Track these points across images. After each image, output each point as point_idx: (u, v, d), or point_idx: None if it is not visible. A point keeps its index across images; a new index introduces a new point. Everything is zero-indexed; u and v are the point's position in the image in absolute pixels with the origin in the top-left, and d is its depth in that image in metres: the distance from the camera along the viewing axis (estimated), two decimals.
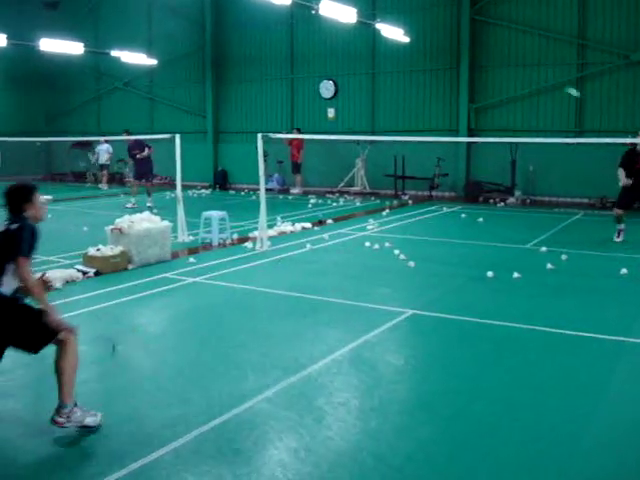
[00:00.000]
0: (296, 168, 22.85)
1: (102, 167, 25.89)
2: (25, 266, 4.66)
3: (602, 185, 18.85)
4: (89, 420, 4.85)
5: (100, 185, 25.64)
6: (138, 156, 18.78)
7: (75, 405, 4.85)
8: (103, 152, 25.36)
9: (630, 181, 12.43)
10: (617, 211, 12.79)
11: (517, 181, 19.72)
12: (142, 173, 18.95)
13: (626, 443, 4.69)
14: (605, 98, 19.44)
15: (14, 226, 4.76)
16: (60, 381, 4.81)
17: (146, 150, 18.70)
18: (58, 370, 4.81)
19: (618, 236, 12.78)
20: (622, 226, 12.77)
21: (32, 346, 4.80)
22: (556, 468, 4.34)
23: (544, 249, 11.74)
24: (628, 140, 14.58)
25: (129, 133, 19.84)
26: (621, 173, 12.60)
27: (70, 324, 4.89)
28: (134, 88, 27.88)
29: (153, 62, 25.13)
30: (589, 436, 4.79)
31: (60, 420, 4.77)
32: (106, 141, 24.62)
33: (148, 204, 17.76)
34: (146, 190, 18.74)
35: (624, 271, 9.95)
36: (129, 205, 18.23)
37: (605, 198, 18.67)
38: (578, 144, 17.66)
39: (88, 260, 10.14)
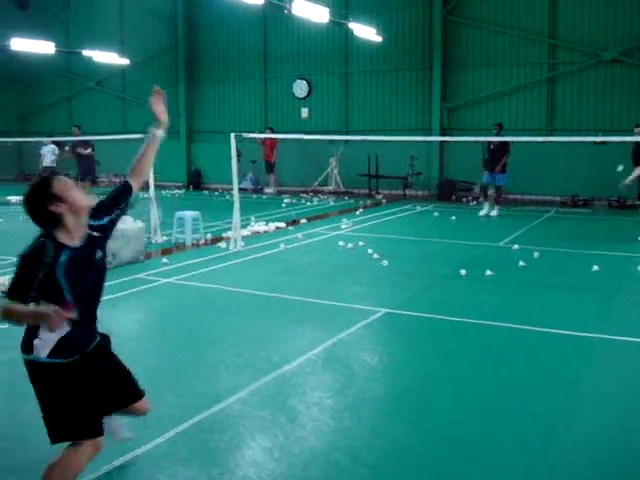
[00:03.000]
0: (270, 168, 22.83)
1: (45, 170, 22.76)
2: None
3: (573, 183, 19.12)
4: None
5: None
6: (81, 152, 18.56)
7: None
8: (49, 153, 23.10)
9: None
10: None
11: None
12: (85, 172, 18.70)
13: (597, 438, 4.73)
14: (576, 97, 19.65)
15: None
16: (43, 476, 3.72)
17: (88, 150, 18.51)
18: (50, 464, 3.72)
19: None
20: None
21: (50, 434, 3.72)
22: (527, 464, 4.38)
23: (516, 247, 11.84)
24: (598, 138, 14.81)
25: (79, 129, 19.71)
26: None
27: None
28: (106, 88, 27.68)
29: (125, 62, 24.96)
30: (561, 431, 4.83)
31: None
32: (53, 142, 23.66)
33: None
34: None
35: (595, 268, 10.07)
36: None
37: (577, 196, 18.89)
38: (549, 142, 17.80)
39: None
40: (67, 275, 3.54)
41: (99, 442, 3.75)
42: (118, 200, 4.04)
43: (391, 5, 21.70)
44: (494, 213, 16.38)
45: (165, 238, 12.90)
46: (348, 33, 21.33)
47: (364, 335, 7.26)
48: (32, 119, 29.77)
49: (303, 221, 15.38)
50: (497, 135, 16.39)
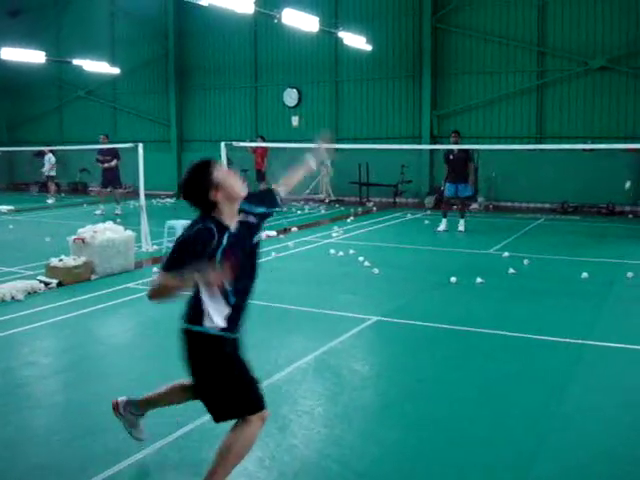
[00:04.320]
0: (260, 176, 22.79)
1: (47, 178, 24.19)
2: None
3: (563, 190, 19.20)
4: None
5: (49, 197, 23.76)
6: (105, 165, 18.84)
7: None
8: (46, 162, 23.76)
9: None
10: None
11: (480, 187, 19.91)
12: (109, 181, 19.08)
13: (586, 444, 4.76)
14: (565, 104, 19.75)
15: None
16: (216, 460, 3.84)
17: (114, 161, 18.81)
18: (222, 447, 3.85)
19: None
20: None
21: (216, 413, 3.91)
22: (520, 468, 4.40)
23: (506, 254, 11.88)
24: (587, 146, 14.88)
25: (108, 137, 19.90)
26: None
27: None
28: (97, 97, 27.65)
29: (116, 71, 24.94)
30: (553, 436, 4.86)
31: None
32: (50, 151, 23.71)
33: (116, 212, 17.98)
34: (114, 198, 18.90)
35: (585, 275, 10.12)
36: (98, 212, 18.35)
37: (566, 203, 18.98)
38: (539, 150, 17.88)
39: (50, 271, 10.04)
40: (225, 257, 3.63)
41: (266, 414, 3.92)
42: (264, 200, 4.19)
43: (381, 14, 21.78)
44: (461, 228, 15.01)
45: (156, 247, 12.88)
46: (338, 42, 21.38)
47: (355, 343, 7.28)
48: (22, 128, 29.68)
49: (294, 229, 15.40)
50: (455, 144, 15.19)
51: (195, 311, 3.80)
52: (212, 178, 3.68)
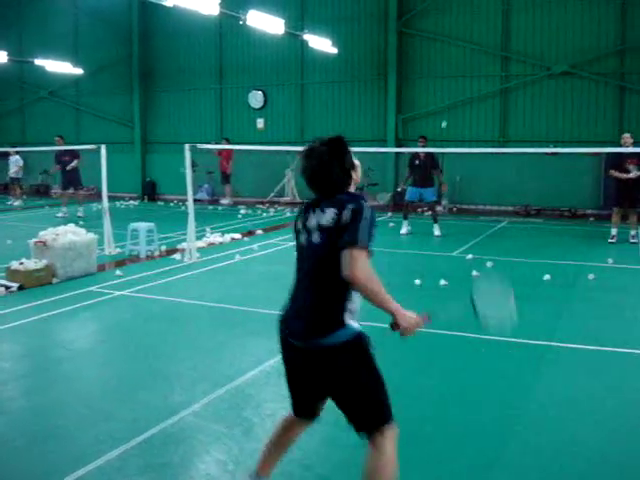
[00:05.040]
0: (225, 179, 22.75)
1: (11, 180, 23.77)
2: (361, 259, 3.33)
3: (526, 193, 19.43)
4: None
5: (11, 199, 23.40)
6: (67, 167, 18.61)
7: None
8: (12, 164, 23.38)
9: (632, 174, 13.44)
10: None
11: (446, 185, 20.00)
12: (69, 182, 18.85)
13: (550, 443, 4.80)
14: (528, 109, 19.97)
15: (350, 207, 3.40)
16: None
17: (75, 161, 18.57)
18: (371, 471, 3.55)
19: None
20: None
21: (355, 421, 3.58)
22: (485, 467, 4.42)
23: (470, 257, 11.97)
24: (550, 150, 15.06)
25: (63, 139, 19.62)
26: (614, 172, 13.69)
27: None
28: (59, 98, 27.35)
29: (79, 71, 24.68)
30: (518, 436, 4.90)
31: None
32: (16, 152, 23.38)
33: (79, 214, 17.82)
34: (77, 200, 18.76)
35: (547, 277, 10.23)
36: (60, 215, 18.11)
37: (529, 206, 19.18)
38: (502, 154, 18.06)
39: (11, 274, 9.90)
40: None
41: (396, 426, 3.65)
42: None
43: (347, 17, 21.83)
44: (437, 232, 14.85)
45: (119, 250, 12.76)
46: (304, 44, 21.38)
47: None
48: None
49: (259, 232, 15.36)
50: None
51: (331, 314, 3.51)
52: (352, 160, 3.62)
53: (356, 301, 3.57)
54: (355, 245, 3.31)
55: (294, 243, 3.74)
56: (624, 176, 13.46)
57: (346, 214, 3.38)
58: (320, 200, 3.56)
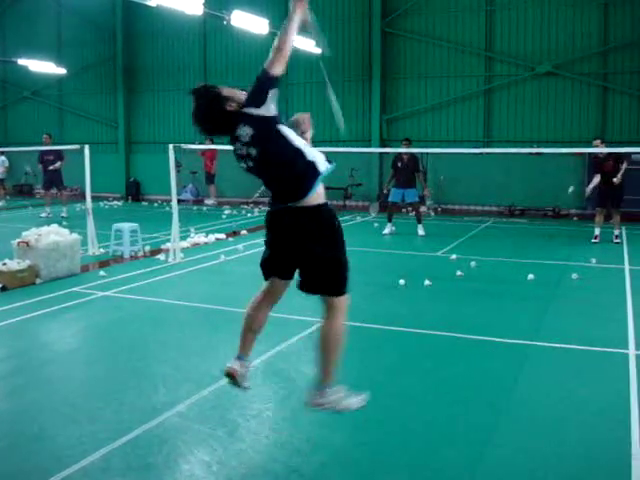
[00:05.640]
0: (210, 179, 22.70)
1: None
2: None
3: (510, 193, 19.52)
4: (353, 402, 4.49)
5: None
6: (50, 167, 18.48)
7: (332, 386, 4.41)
8: None
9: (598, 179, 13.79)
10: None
11: (430, 190, 20.06)
12: (52, 182, 18.73)
13: (532, 442, 4.82)
14: (512, 109, 20.07)
15: None
16: (323, 354, 4.39)
17: (58, 163, 18.45)
18: (324, 336, 4.37)
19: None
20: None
21: (320, 283, 4.28)
22: (466, 466, 4.43)
23: (454, 257, 12.00)
24: (534, 150, 15.15)
25: (50, 137, 19.50)
26: (596, 178, 13.91)
27: None
28: (43, 98, 27.18)
29: (62, 71, 24.53)
30: (501, 435, 4.91)
31: (320, 400, 4.39)
32: (1, 153, 23.22)
33: (62, 214, 17.72)
34: (60, 201, 18.66)
35: (531, 277, 10.28)
36: (44, 215, 18.01)
37: (513, 206, 19.27)
38: (486, 154, 18.12)
39: None
40: None
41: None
42: None
43: (331, 17, 21.83)
44: (422, 232, 15.02)
45: (102, 250, 12.70)
46: None
47: (304, 346, 7.25)
48: None
49: (244, 232, 15.33)
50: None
51: (302, 186, 4.14)
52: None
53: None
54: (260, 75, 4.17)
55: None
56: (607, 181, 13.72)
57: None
58: (235, 128, 4.19)
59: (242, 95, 4.24)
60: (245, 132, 4.14)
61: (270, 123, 4.14)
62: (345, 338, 4.38)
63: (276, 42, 4.23)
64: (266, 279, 4.49)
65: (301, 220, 4.16)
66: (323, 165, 4.20)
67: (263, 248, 4.49)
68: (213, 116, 4.21)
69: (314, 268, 4.23)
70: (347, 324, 4.45)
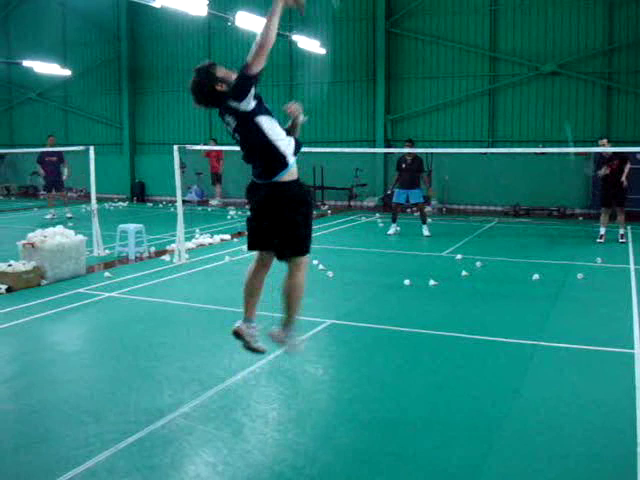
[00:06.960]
0: (216, 179, 22.72)
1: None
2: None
3: (515, 193, 19.49)
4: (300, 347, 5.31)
5: None
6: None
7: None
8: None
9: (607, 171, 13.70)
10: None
11: (433, 190, 20.07)
12: (51, 184, 18.76)
13: (539, 442, 4.81)
14: (517, 109, 20.05)
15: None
16: (287, 302, 5.01)
17: (65, 170, 18.54)
18: (287, 289, 4.96)
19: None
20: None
21: (285, 247, 4.83)
22: (472, 466, 4.43)
23: (459, 257, 11.99)
24: (539, 149, 15.12)
25: (55, 139, 19.56)
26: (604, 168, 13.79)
27: None
28: (48, 99, 27.24)
29: (67, 73, 24.57)
30: (506, 435, 4.91)
31: (280, 334, 5.12)
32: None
33: (68, 215, 17.78)
34: (62, 201, 18.70)
35: (536, 277, 10.26)
36: (49, 216, 18.06)
37: (518, 206, 19.24)
38: (491, 154, 18.11)
39: None
40: None
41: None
42: None
43: (335, 17, 21.83)
44: (427, 233, 14.96)
45: (108, 251, 12.72)
46: (292, 45, 21.40)
47: (309, 346, 7.25)
48: None
49: None
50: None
51: (272, 167, 4.67)
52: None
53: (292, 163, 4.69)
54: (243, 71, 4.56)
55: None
56: (602, 173, 13.71)
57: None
58: (223, 112, 4.70)
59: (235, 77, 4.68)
60: (229, 120, 4.68)
61: (248, 117, 4.56)
62: (304, 290, 4.97)
63: (258, 37, 4.45)
64: (252, 250, 5.06)
65: (275, 192, 4.71)
66: (292, 158, 4.69)
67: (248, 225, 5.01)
68: (202, 93, 4.71)
69: (283, 231, 4.74)
70: (307, 281, 5.00)
